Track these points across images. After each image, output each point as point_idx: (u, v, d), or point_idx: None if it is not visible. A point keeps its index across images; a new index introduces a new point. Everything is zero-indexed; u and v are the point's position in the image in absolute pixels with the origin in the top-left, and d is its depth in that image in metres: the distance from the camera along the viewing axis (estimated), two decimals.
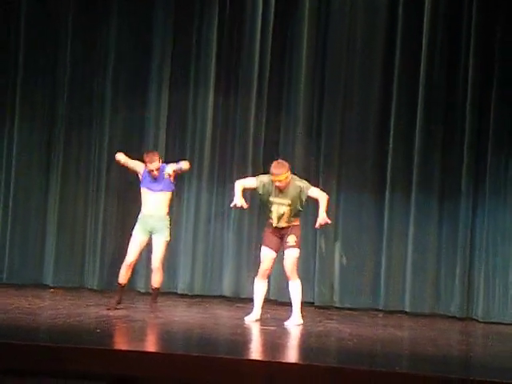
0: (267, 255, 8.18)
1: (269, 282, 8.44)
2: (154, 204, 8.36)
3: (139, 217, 8.41)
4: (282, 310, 9.02)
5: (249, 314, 8.23)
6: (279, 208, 8.08)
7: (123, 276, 8.43)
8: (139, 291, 9.60)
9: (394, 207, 9.44)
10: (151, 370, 6.31)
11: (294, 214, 8.11)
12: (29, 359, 6.40)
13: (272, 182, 8.04)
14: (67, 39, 9.76)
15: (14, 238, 9.79)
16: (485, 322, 9.07)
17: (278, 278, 9.49)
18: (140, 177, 8.46)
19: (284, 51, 9.63)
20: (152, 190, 8.37)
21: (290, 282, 8.20)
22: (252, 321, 8.15)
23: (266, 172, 8.28)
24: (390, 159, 9.45)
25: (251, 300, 9.16)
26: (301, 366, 6.46)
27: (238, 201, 8.03)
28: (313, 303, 9.46)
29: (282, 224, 8.12)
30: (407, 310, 9.34)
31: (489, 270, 9.17)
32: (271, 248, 8.17)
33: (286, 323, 8.11)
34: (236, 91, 9.70)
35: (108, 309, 8.33)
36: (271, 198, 8.09)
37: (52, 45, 9.78)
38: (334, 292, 9.50)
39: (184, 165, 8.43)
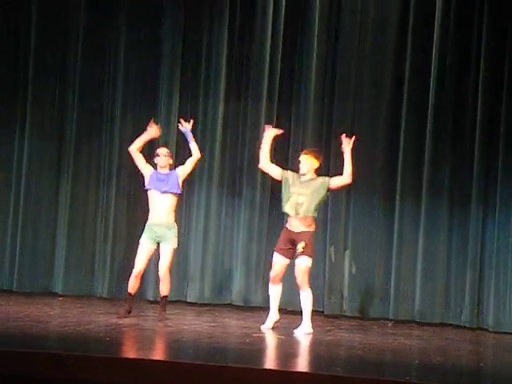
0: (278, 261, 8.19)
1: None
2: (162, 210, 8.35)
3: (147, 224, 8.41)
4: (291, 319, 9.00)
5: (263, 322, 8.21)
6: (299, 198, 8.09)
7: (132, 286, 8.43)
8: (148, 300, 9.60)
9: (404, 216, 9.42)
10: (160, 378, 6.31)
11: (314, 207, 8.07)
12: (38, 367, 6.41)
13: (295, 175, 8.11)
14: (77, 44, 9.80)
15: (24, 246, 9.81)
16: (495, 332, 9.02)
17: (287, 286, 9.49)
18: (146, 180, 8.43)
19: (294, 61, 9.62)
20: (159, 190, 8.34)
21: (301, 292, 8.18)
22: (268, 328, 8.14)
23: (276, 180, 8.33)
24: (399, 168, 9.43)
25: (260, 308, 9.17)
26: (310, 375, 6.45)
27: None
28: (322, 312, 9.44)
29: (302, 213, 8.05)
30: (417, 319, 9.31)
31: (499, 280, 9.14)
32: (282, 254, 8.16)
33: (295, 331, 8.10)
34: (246, 99, 9.70)
35: (118, 317, 8.33)
36: (291, 189, 8.12)
37: (62, 49, 9.82)
38: (344, 301, 9.48)
39: (195, 157, 8.43)
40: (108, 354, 6.72)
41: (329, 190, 8.18)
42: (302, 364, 7.14)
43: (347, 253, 9.54)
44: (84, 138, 9.87)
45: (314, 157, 8.19)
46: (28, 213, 9.81)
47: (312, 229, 8.17)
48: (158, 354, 7.16)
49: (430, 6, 9.35)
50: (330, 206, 9.51)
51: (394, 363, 7.25)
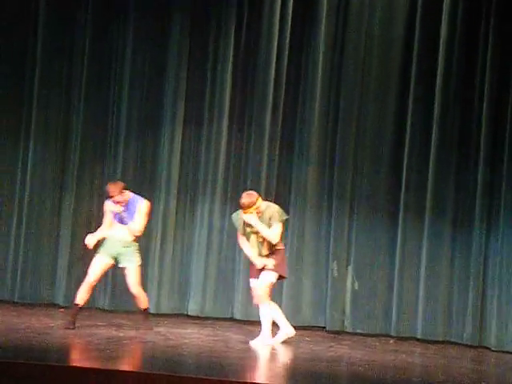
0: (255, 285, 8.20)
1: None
2: (118, 232, 8.34)
3: (107, 238, 8.36)
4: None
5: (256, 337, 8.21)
6: (258, 237, 8.11)
7: (81, 296, 8.32)
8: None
9: (407, 233, 9.40)
10: None
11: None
12: (39, 379, 6.39)
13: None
14: (83, 56, 9.80)
15: (27, 258, 9.80)
16: (497, 351, 8.98)
17: (288, 301, 9.48)
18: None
19: (299, 84, 9.61)
20: (123, 223, 8.33)
21: (260, 306, 8.16)
22: (261, 345, 8.12)
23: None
24: (403, 185, 9.42)
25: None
26: None
27: (258, 262, 8.11)
28: (324, 328, 9.42)
29: (265, 251, 8.12)
30: (419, 336, 9.27)
31: (502, 298, 9.10)
32: (257, 278, 8.16)
33: (251, 342, 8.09)
34: (250, 128, 9.67)
35: (67, 328, 8.22)
36: (248, 229, 8.12)
37: (67, 59, 9.82)
38: (346, 317, 9.46)
39: (132, 225, 8.30)
40: (108, 367, 6.71)
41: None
42: (303, 380, 7.10)
43: (350, 269, 9.52)
44: (88, 151, 9.87)
45: (254, 201, 8.06)
46: (30, 224, 9.81)
47: (281, 246, 8.19)
48: (159, 367, 7.13)
49: (436, 14, 9.34)
50: (332, 222, 9.50)
51: (395, 381, 7.22)
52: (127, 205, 8.32)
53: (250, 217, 8.06)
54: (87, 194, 9.89)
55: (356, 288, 9.49)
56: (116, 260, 8.39)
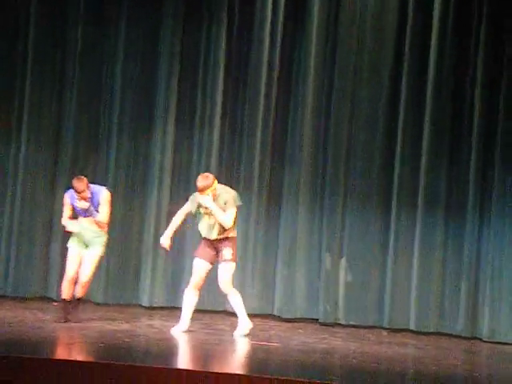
0: (199, 266, 8.13)
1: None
2: (85, 222, 8.26)
3: (73, 232, 8.29)
4: (285, 327, 9.00)
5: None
6: (210, 219, 8.05)
7: (66, 292, 8.29)
8: (143, 306, 9.58)
9: (400, 224, 9.41)
10: None
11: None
12: (32, 373, 6.38)
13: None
14: (75, 55, 9.77)
15: (20, 252, 9.78)
16: (490, 342, 9.01)
17: (282, 294, 9.49)
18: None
19: (289, 95, 9.59)
20: (88, 217, 8.25)
21: (228, 296, 8.14)
22: (178, 332, 8.09)
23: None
24: (396, 176, 9.43)
25: (255, 316, 9.15)
26: (304, 382, 6.43)
27: (165, 241, 8.13)
28: (317, 320, 9.43)
29: (214, 235, 8.06)
30: (412, 327, 9.29)
31: (494, 289, 9.13)
32: (204, 259, 8.11)
33: (234, 333, 8.11)
34: (241, 132, 9.65)
35: (58, 322, 8.22)
36: (201, 210, 8.06)
37: (60, 58, 9.78)
38: (339, 309, 9.47)
39: (98, 217, 8.22)
40: (102, 360, 6.71)
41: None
42: (297, 372, 7.12)
43: (343, 261, 9.53)
44: (81, 146, 9.84)
45: (210, 184, 8.02)
46: (23, 218, 9.78)
47: (234, 234, 8.12)
48: (153, 360, 7.14)
49: (428, 5, 9.35)
50: (325, 213, 9.50)
51: (389, 372, 7.24)
52: (91, 198, 8.24)
53: (205, 199, 7.98)
54: None
55: (349, 280, 9.50)
56: (87, 247, 8.29)
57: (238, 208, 8.20)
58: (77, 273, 8.30)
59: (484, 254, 9.22)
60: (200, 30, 9.74)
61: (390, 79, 9.48)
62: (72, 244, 8.32)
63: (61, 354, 7.35)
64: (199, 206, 8.08)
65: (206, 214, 8.06)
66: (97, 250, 8.29)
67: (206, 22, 9.73)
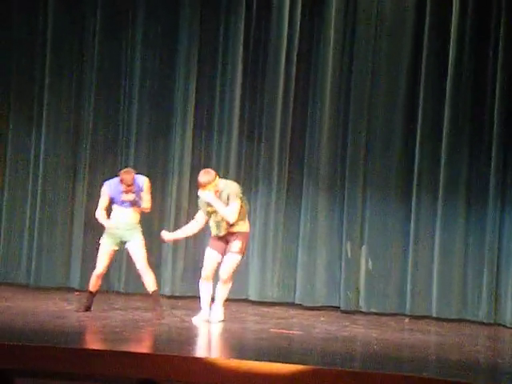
0: (210, 257, 8.08)
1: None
2: (123, 216, 8.23)
3: (107, 227, 8.27)
4: (307, 315, 9.00)
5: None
6: (216, 216, 7.99)
7: (93, 284, 8.34)
8: (165, 295, 9.61)
9: (421, 212, 9.37)
10: (176, 373, 6.32)
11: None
12: (56, 362, 6.43)
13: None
14: (93, 51, 9.78)
15: (42, 241, 9.84)
16: None
17: (303, 282, 9.49)
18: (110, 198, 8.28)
19: (307, 97, 9.56)
20: (123, 206, 8.21)
21: (221, 283, 8.04)
22: (200, 321, 8.07)
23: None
24: (416, 163, 9.39)
25: (276, 304, 9.15)
26: (326, 370, 6.44)
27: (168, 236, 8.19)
28: (339, 308, 9.42)
29: (222, 232, 7.98)
30: (434, 314, 9.26)
31: None
32: (215, 250, 8.06)
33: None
34: (260, 141, 9.62)
35: (76, 311, 8.27)
36: (208, 208, 8.00)
37: (78, 54, 9.82)
38: (360, 296, 9.46)
39: (144, 204, 8.25)
40: (124, 349, 6.74)
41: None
42: (318, 359, 7.12)
43: (364, 248, 9.51)
44: (100, 139, 9.87)
45: (211, 180, 7.92)
46: (45, 210, 9.83)
47: (245, 228, 8.04)
48: (175, 349, 7.16)
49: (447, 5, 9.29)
50: (346, 201, 9.48)
51: (411, 359, 7.24)
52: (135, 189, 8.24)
53: (206, 194, 7.88)
54: (100, 179, 9.88)
55: (370, 268, 9.49)
56: (121, 243, 8.31)
57: (242, 199, 8.07)
58: (105, 270, 8.34)
59: (506, 240, 9.16)
60: (217, 32, 9.68)
61: (409, 72, 9.41)
62: (104, 241, 8.31)
63: (84, 343, 7.39)
64: (205, 204, 8.00)
65: (212, 212, 7.96)
66: (138, 238, 8.23)
67: (222, 25, 9.67)
